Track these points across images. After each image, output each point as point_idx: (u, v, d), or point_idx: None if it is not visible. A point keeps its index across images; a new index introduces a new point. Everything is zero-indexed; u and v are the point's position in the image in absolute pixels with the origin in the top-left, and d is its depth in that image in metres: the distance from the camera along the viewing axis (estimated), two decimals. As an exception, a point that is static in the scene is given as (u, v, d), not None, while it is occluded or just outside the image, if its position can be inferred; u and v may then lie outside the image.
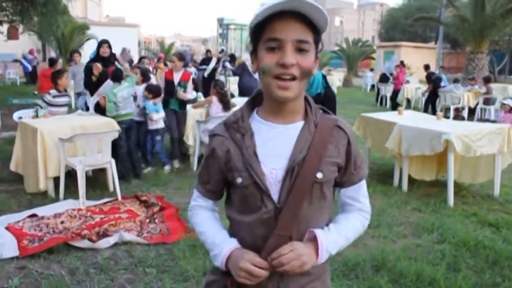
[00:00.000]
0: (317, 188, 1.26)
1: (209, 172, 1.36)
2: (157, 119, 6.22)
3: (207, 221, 1.41)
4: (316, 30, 1.22)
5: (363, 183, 1.39)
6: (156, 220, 4.42)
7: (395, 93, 14.71)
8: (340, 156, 1.29)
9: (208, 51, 14.78)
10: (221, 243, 1.31)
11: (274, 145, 1.27)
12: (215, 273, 1.38)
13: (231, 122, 1.31)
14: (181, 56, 6.70)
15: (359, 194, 1.38)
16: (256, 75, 8.09)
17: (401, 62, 16.88)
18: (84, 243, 3.77)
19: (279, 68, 1.18)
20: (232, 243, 1.30)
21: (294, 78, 1.19)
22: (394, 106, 13.69)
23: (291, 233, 1.24)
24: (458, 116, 11.71)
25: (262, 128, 1.29)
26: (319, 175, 1.25)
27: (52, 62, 11.22)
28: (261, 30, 1.21)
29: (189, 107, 6.61)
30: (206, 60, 12.16)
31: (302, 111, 1.31)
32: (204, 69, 11.29)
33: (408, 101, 14.74)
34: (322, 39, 1.28)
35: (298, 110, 1.30)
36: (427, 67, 15.37)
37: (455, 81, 13.01)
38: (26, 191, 5.09)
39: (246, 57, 9.78)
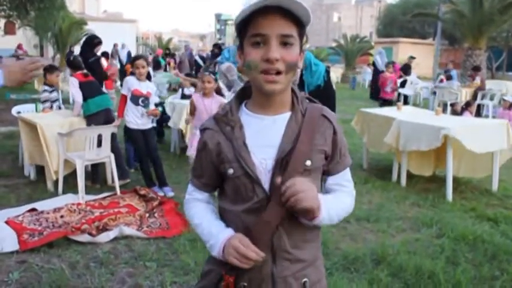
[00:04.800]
0: (306, 175, 1.29)
1: (202, 165, 1.40)
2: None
3: (203, 213, 1.43)
4: (300, 24, 1.26)
5: (347, 170, 1.43)
6: (156, 214, 4.43)
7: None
8: (327, 144, 1.33)
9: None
10: (218, 233, 1.32)
11: (263, 136, 1.30)
12: (211, 263, 1.40)
13: (220, 116, 1.35)
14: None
15: (344, 180, 1.42)
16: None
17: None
18: (84, 238, 3.77)
19: (264, 63, 1.22)
20: (229, 233, 1.31)
21: (279, 73, 1.23)
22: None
23: (278, 220, 1.26)
24: (455, 112, 11.73)
25: (251, 120, 1.32)
26: (308, 162, 1.28)
27: None
28: (246, 26, 1.25)
29: (187, 102, 6.58)
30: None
31: (289, 102, 1.34)
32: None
33: (406, 96, 14.73)
34: (307, 32, 1.31)
35: (286, 102, 1.33)
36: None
37: (448, 78, 12.99)
38: (49, 179, 5.04)
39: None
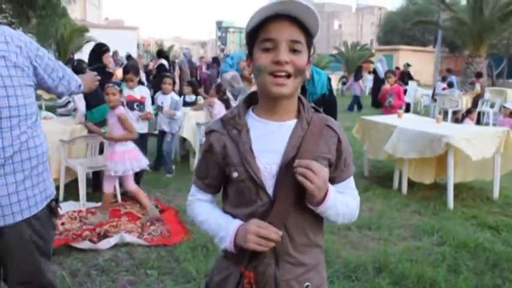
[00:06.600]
0: None
1: (207, 167, 1.41)
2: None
3: (207, 209, 1.44)
4: (308, 33, 1.29)
5: (351, 179, 1.45)
6: (157, 222, 4.42)
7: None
8: (331, 152, 1.35)
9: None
10: (227, 224, 1.33)
11: (269, 141, 1.32)
12: (224, 269, 1.39)
13: (227, 119, 1.36)
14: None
15: (347, 188, 1.44)
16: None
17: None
18: (85, 244, 3.77)
19: (274, 66, 1.24)
20: (238, 222, 1.32)
21: (289, 76, 1.25)
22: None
23: (281, 223, 1.27)
24: (457, 120, 11.75)
25: (257, 125, 1.34)
26: None
27: None
28: (256, 33, 1.28)
29: (188, 109, 6.65)
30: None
31: (295, 109, 1.37)
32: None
33: (408, 104, 14.77)
34: (315, 43, 1.34)
35: (292, 109, 1.36)
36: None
37: (450, 85, 13.01)
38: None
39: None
